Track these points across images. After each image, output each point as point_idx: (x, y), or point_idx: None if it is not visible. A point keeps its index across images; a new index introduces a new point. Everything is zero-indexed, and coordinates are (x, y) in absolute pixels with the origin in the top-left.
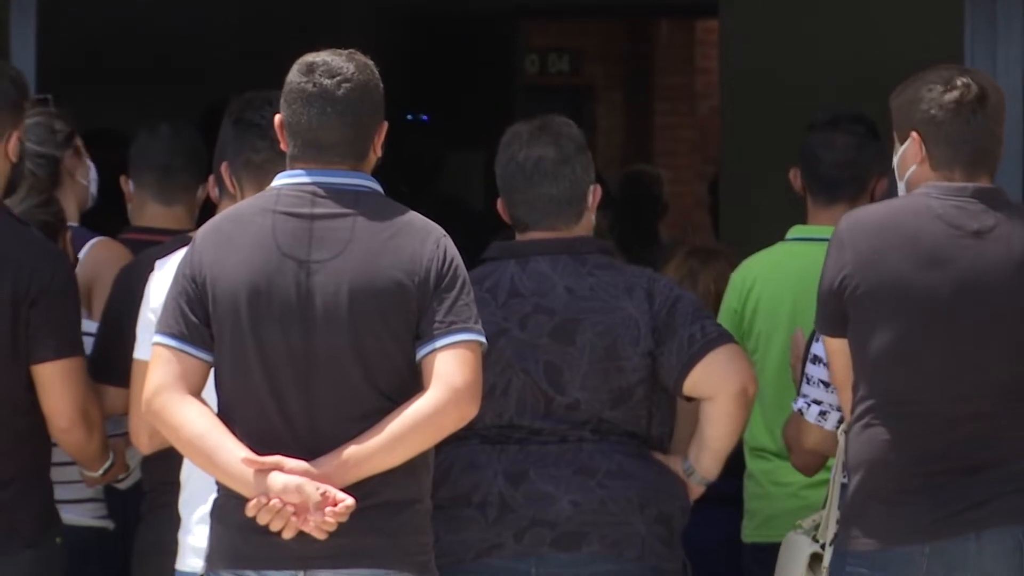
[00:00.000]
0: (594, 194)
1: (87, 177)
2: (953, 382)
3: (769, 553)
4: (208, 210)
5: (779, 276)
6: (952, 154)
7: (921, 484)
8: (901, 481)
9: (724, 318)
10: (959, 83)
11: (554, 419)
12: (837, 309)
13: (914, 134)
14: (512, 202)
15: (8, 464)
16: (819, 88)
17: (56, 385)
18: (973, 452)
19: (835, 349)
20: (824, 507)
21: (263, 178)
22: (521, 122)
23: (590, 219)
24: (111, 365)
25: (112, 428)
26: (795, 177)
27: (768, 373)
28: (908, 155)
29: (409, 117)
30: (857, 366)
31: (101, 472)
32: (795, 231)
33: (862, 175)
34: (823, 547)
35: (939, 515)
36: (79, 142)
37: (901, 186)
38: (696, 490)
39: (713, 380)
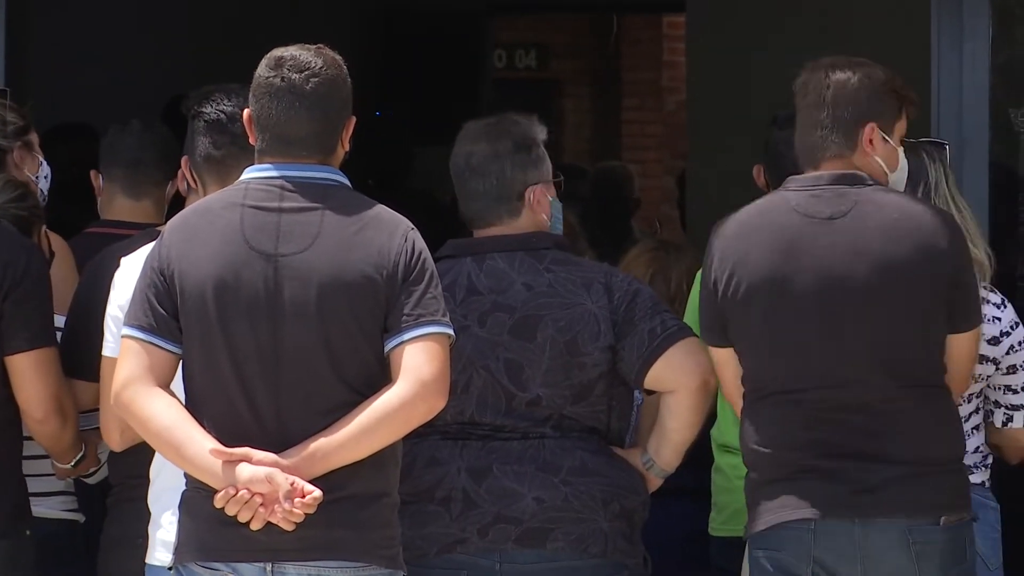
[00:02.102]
0: (534, 194)
1: (36, 173)
2: (829, 369)
3: (737, 547)
4: (178, 204)
5: None
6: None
7: (808, 468)
8: (789, 467)
9: (692, 312)
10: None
11: (515, 416)
12: (717, 317)
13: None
14: (458, 197)
15: None
16: (785, 84)
17: (30, 376)
18: (860, 440)
19: (722, 360)
20: None
21: (225, 173)
22: (481, 119)
23: (538, 218)
24: (80, 359)
25: (83, 424)
26: (759, 174)
27: None
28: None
29: (377, 114)
30: (742, 361)
31: (72, 464)
32: None
33: None
34: None
35: (825, 498)
36: (33, 138)
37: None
38: (655, 482)
39: (674, 374)
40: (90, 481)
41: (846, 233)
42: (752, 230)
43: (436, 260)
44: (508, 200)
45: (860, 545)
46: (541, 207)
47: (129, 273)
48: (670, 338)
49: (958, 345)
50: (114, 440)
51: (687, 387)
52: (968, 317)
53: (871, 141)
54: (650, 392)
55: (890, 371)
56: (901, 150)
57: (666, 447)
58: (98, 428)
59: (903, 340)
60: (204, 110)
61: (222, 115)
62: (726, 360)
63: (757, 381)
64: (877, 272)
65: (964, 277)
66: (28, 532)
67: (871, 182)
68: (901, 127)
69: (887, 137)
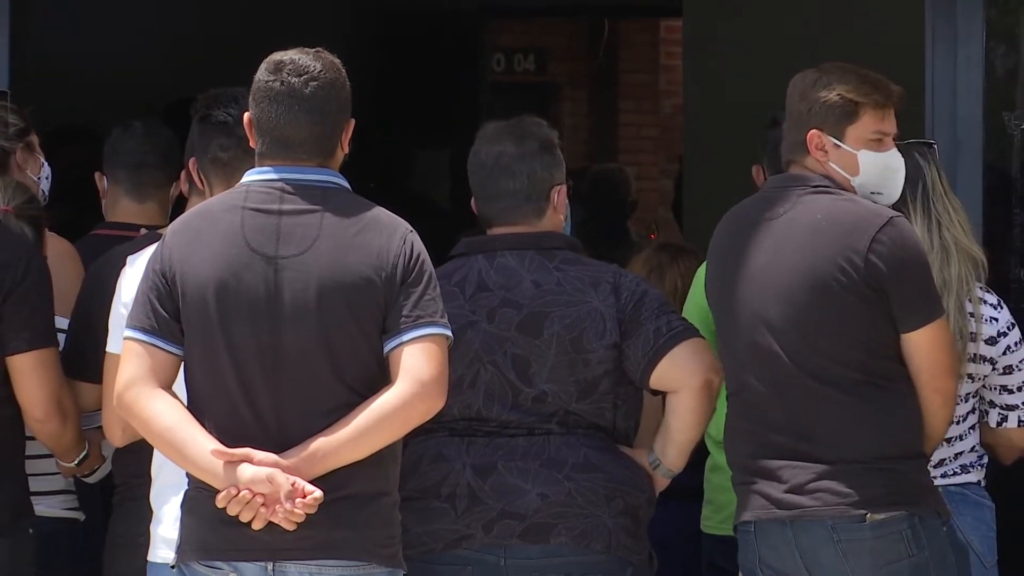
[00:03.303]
0: (559, 194)
1: (38, 173)
2: (760, 371)
3: (732, 545)
4: (181, 205)
5: None
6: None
7: (751, 470)
8: (739, 468)
9: (691, 312)
10: None
11: (521, 411)
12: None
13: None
14: (477, 197)
15: None
16: (781, 87)
17: (30, 376)
18: (792, 440)
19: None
20: None
21: (231, 175)
22: (496, 121)
23: (557, 219)
24: (83, 361)
25: (86, 423)
26: (758, 173)
27: None
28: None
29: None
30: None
31: (77, 462)
32: None
33: None
34: None
35: (762, 499)
36: (34, 139)
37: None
38: (661, 482)
39: (678, 374)
40: (90, 480)
41: (774, 235)
42: (722, 230)
43: (449, 257)
44: (537, 199)
45: (794, 545)
46: (561, 207)
47: (136, 272)
48: (675, 337)
49: (917, 343)
50: (116, 436)
51: (690, 387)
52: (916, 314)
53: (820, 148)
54: (655, 392)
55: (812, 373)
56: (869, 154)
57: (671, 447)
58: (100, 427)
59: (821, 344)
60: (211, 113)
61: (229, 118)
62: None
63: (725, 382)
64: (795, 274)
65: (902, 276)
66: (30, 530)
67: (815, 185)
68: (859, 131)
69: (839, 143)
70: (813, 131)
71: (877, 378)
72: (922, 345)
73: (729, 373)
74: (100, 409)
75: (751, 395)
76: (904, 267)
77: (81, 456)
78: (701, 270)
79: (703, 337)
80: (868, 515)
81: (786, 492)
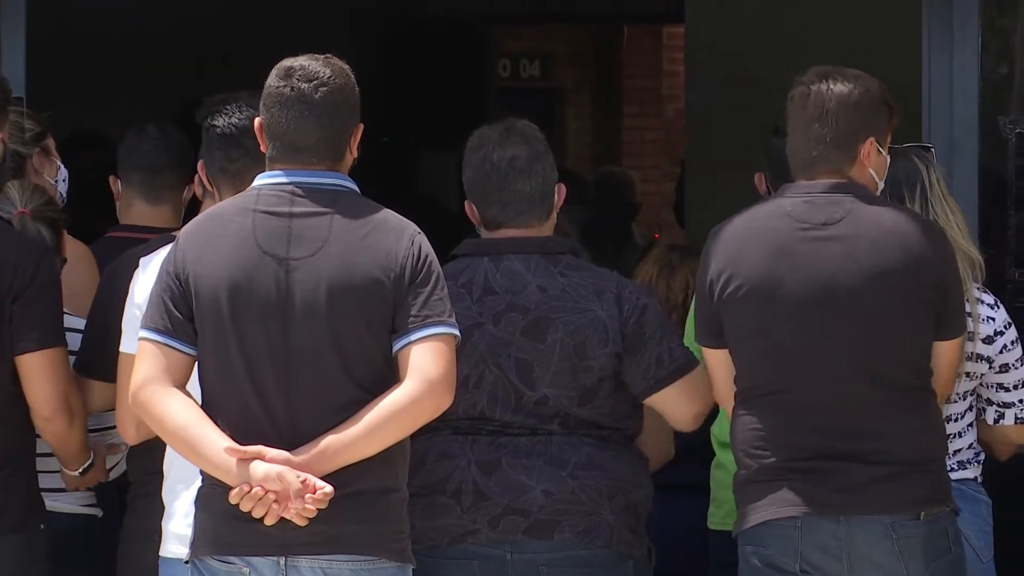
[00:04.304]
0: (559, 192)
1: (55, 176)
2: (813, 372)
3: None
4: (195, 208)
5: None
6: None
7: (795, 468)
8: (775, 465)
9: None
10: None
11: (524, 413)
12: (712, 318)
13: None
14: (486, 202)
15: None
16: (781, 92)
17: (39, 374)
18: (843, 440)
19: (716, 361)
20: None
21: (239, 183)
22: (486, 127)
23: (554, 217)
24: (96, 360)
25: (94, 423)
26: (760, 181)
27: None
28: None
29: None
30: (734, 361)
31: (81, 471)
32: None
33: None
34: None
35: (811, 496)
36: (50, 143)
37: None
38: None
39: (674, 407)
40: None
41: (837, 240)
42: (747, 234)
43: (452, 257)
44: (547, 199)
45: (845, 540)
46: (560, 206)
47: (149, 274)
48: (678, 371)
49: (943, 352)
50: (130, 434)
51: (680, 421)
52: (953, 326)
53: (868, 154)
54: None
55: (872, 375)
56: (887, 157)
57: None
58: (105, 431)
59: (887, 346)
60: (217, 123)
61: (234, 129)
62: (719, 362)
63: (747, 382)
64: (865, 279)
65: (950, 288)
66: (42, 526)
67: (864, 192)
68: (890, 137)
69: (880, 148)
70: (871, 139)
71: (924, 382)
72: (948, 355)
73: (762, 375)
74: (111, 409)
75: (794, 396)
76: (954, 279)
77: (86, 465)
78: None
79: (699, 362)
80: (923, 513)
81: (837, 491)
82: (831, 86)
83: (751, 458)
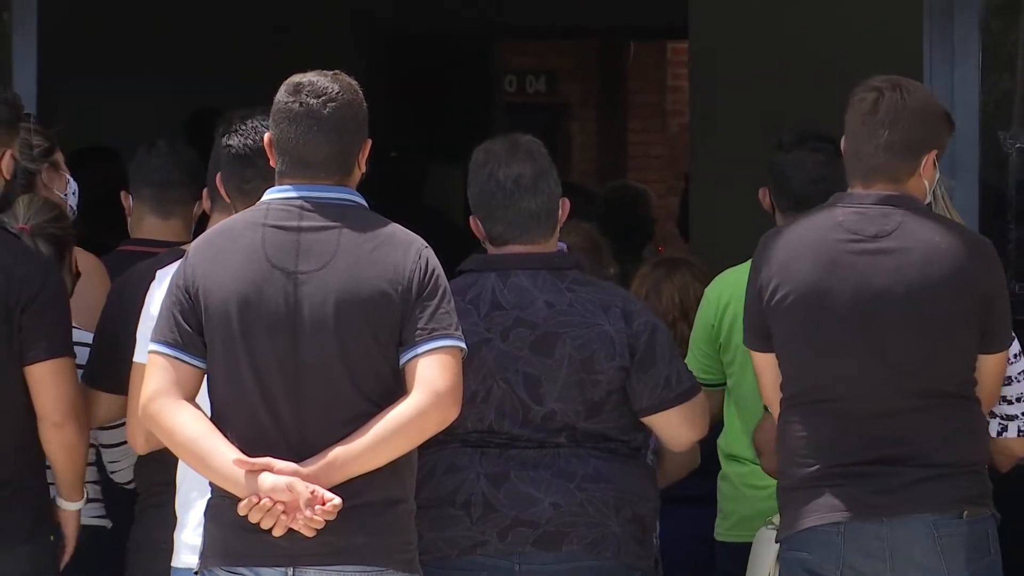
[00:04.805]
0: (563, 207)
1: (65, 190)
2: (861, 379)
3: (742, 552)
4: (204, 222)
5: None
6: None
7: (839, 474)
8: (820, 471)
9: (699, 331)
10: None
11: (532, 427)
12: (761, 323)
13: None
14: (491, 219)
15: (7, 464)
16: (784, 107)
17: (49, 383)
18: (887, 446)
19: (763, 364)
20: None
21: (253, 200)
22: (490, 141)
23: (558, 232)
24: (105, 372)
25: (98, 439)
26: (764, 196)
27: (746, 385)
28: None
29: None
30: (781, 367)
31: (77, 506)
32: None
33: (832, 191)
34: None
35: (854, 501)
36: (59, 157)
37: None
38: None
39: (671, 431)
40: (117, 479)
41: (887, 253)
42: (798, 242)
43: (459, 272)
44: (552, 216)
45: (888, 541)
46: (563, 221)
47: (167, 286)
48: (684, 395)
49: (989, 365)
50: (139, 444)
51: (676, 444)
52: (999, 340)
53: (927, 166)
54: None
55: (918, 386)
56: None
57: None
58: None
59: (933, 358)
60: (232, 144)
61: (248, 151)
62: (766, 365)
63: (794, 388)
64: (915, 290)
65: (998, 302)
66: (52, 537)
67: (915, 204)
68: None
69: (935, 162)
70: (934, 152)
71: (969, 391)
72: (994, 368)
73: (808, 382)
74: (119, 420)
75: (840, 404)
76: (1002, 294)
77: (80, 504)
78: (710, 289)
79: (702, 388)
80: (966, 512)
81: (880, 493)
82: (904, 95)
83: (796, 465)
